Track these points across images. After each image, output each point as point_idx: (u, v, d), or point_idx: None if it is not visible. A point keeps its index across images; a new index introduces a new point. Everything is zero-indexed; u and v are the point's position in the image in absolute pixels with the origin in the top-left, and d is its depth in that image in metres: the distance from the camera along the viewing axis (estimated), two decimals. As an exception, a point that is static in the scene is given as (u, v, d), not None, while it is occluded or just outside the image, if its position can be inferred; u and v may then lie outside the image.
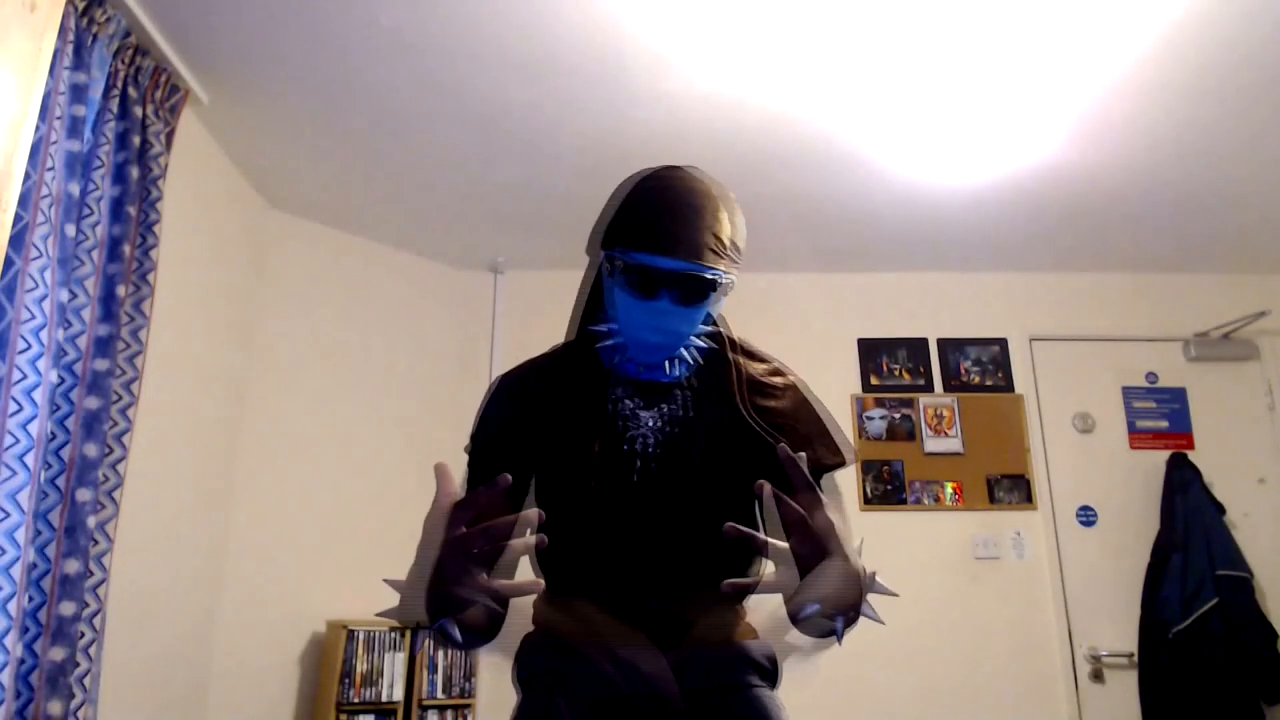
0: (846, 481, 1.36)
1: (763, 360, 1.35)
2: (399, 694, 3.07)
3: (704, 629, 1.24)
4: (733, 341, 1.33)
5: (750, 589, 1.06)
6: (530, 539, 0.98)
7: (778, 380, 1.32)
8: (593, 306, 1.31)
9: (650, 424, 1.25)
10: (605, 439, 1.24)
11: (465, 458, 1.35)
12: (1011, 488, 3.68)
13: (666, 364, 1.27)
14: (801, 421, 1.29)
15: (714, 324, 1.31)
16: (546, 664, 1.24)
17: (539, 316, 3.91)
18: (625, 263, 1.19)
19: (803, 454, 1.02)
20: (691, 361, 1.29)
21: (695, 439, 1.25)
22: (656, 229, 1.18)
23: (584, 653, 1.21)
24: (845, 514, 1.26)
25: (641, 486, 1.23)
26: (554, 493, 1.27)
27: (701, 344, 1.29)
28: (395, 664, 3.09)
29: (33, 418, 1.87)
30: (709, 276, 1.18)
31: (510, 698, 1.27)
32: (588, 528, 1.23)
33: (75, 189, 2.08)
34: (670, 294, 1.18)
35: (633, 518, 1.22)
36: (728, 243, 1.21)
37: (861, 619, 1.07)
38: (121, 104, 2.33)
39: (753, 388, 1.30)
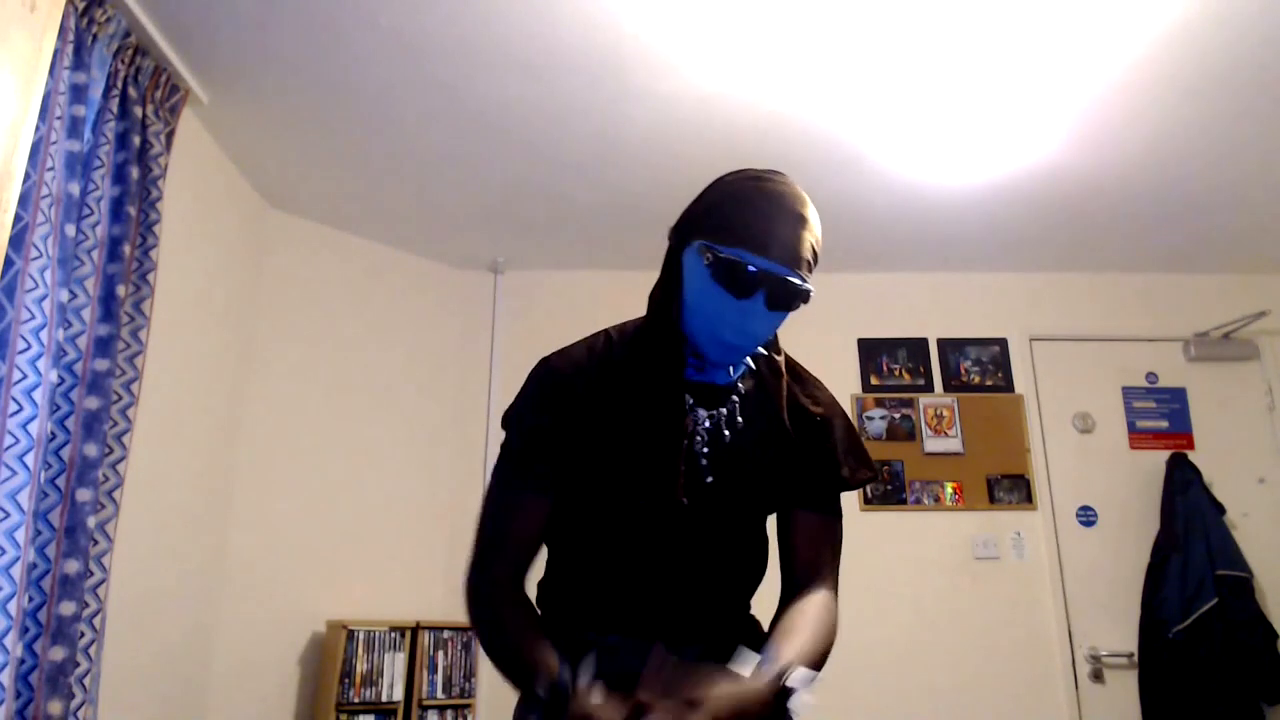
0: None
1: (804, 371, 1.36)
2: (399, 694, 3.07)
3: (722, 627, 1.27)
4: (780, 349, 1.33)
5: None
6: None
7: (817, 393, 1.33)
8: (662, 297, 1.25)
9: (706, 427, 1.24)
10: (676, 443, 1.21)
11: (465, 456, 1.35)
12: (1011, 488, 3.68)
13: (731, 367, 1.25)
14: (837, 433, 1.31)
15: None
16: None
17: (539, 316, 3.91)
18: (725, 257, 1.13)
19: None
20: (749, 366, 1.29)
21: (744, 446, 1.25)
22: (767, 230, 1.13)
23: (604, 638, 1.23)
24: (838, 553, 1.30)
25: (698, 493, 1.22)
26: (606, 494, 1.24)
27: (761, 350, 1.29)
28: (395, 664, 3.09)
29: (33, 418, 1.87)
30: (805, 287, 1.16)
31: (510, 698, 1.26)
32: (645, 533, 1.23)
33: (75, 189, 2.08)
34: (764, 297, 1.14)
35: (687, 524, 1.22)
36: (819, 256, 1.20)
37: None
38: (121, 104, 2.33)
39: (795, 395, 1.30)
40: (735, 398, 1.27)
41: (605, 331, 1.32)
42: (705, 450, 1.23)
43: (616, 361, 1.27)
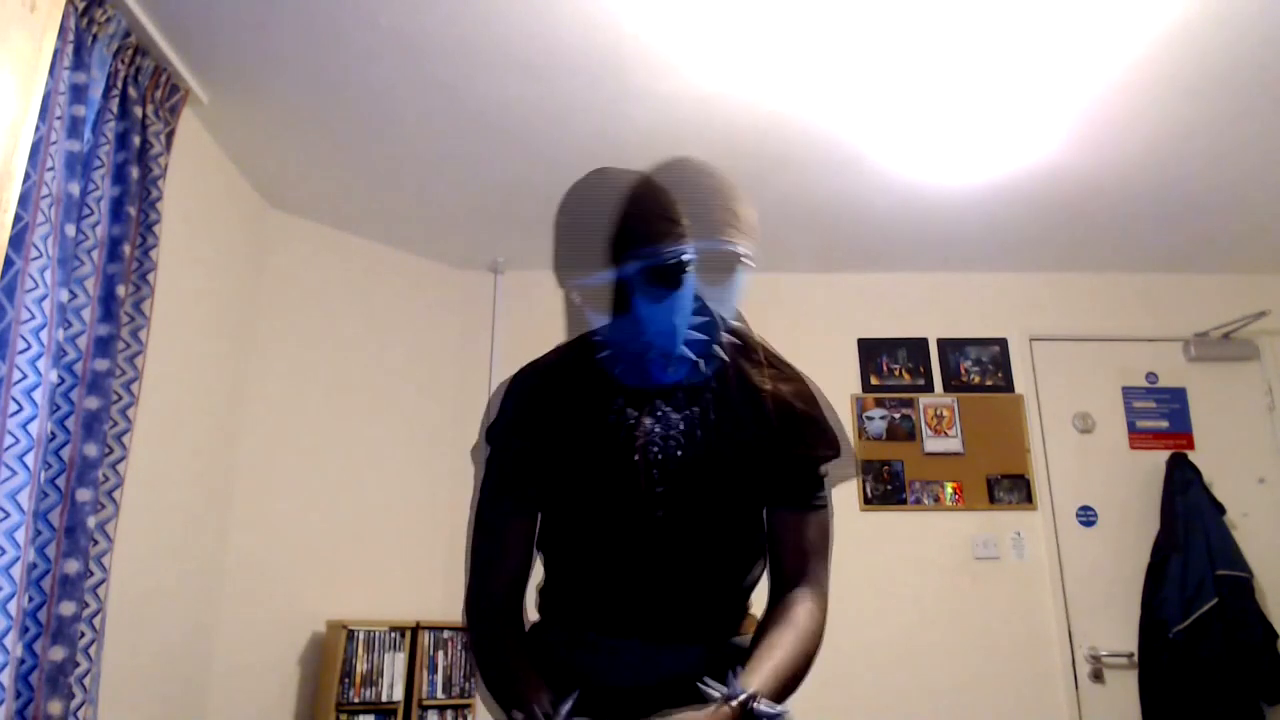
0: (847, 482, 1.35)
1: (777, 359, 1.34)
2: (399, 694, 3.07)
3: (709, 627, 1.26)
4: (756, 343, 1.32)
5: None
6: None
7: (787, 371, 1.32)
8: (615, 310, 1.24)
9: (681, 429, 1.24)
10: (628, 445, 1.22)
11: (465, 456, 1.34)
12: (1011, 488, 3.68)
13: (702, 362, 1.23)
14: (804, 408, 1.27)
15: (739, 320, 1.30)
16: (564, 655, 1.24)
17: (539, 316, 3.88)
18: (650, 266, 1.14)
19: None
20: (723, 361, 1.27)
21: (713, 442, 1.24)
22: (646, 227, 1.17)
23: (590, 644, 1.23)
24: (825, 547, 1.28)
25: (664, 491, 1.22)
26: (580, 500, 1.25)
27: (737, 341, 1.28)
28: (395, 664, 3.09)
29: (33, 418, 1.87)
30: (731, 250, 1.19)
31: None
32: (622, 537, 1.22)
33: (75, 189, 2.08)
34: (686, 278, 1.15)
35: (663, 526, 1.21)
36: (744, 217, 1.22)
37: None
38: (121, 104, 2.33)
39: (773, 387, 1.28)
40: (709, 395, 1.26)
41: (583, 335, 1.32)
42: (679, 453, 1.22)
43: (589, 367, 1.27)
